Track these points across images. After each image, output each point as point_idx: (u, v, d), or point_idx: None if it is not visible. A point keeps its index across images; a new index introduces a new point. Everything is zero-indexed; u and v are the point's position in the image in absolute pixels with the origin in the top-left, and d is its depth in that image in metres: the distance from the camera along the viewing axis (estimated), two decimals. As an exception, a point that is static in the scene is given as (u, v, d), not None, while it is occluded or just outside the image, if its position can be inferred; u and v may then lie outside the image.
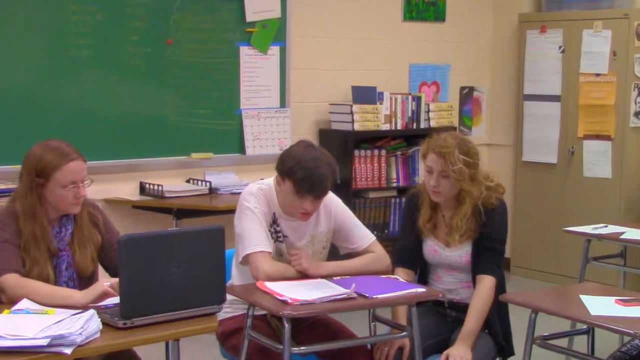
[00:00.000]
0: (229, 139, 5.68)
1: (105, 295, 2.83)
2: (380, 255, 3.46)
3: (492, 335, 3.50)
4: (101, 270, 3.26)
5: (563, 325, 3.69)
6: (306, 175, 3.19)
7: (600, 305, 3.11)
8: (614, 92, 6.33)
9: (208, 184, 5.39)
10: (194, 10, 5.45)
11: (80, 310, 2.68)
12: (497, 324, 3.50)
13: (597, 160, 6.46)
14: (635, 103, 6.32)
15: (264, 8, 5.72)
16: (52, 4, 4.92)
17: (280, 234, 3.36)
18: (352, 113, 5.88)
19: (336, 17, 6.20)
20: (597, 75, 6.42)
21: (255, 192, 3.34)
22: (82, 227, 3.15)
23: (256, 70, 5.74)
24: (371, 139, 6.09)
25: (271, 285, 3.10)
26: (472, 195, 3.45)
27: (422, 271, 3.66)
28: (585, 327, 3.52)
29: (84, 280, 3.12)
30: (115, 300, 2.78)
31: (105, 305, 2.81)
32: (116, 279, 2.77)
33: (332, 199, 3.43)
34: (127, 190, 5.27)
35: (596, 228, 4.69)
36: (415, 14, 6.59)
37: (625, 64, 6.27)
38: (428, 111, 6.28)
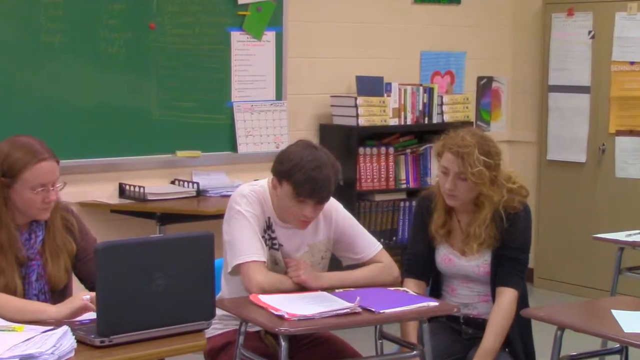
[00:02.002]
0: (219, 135, 5.68)
1: (83, 310, 2.83)
2: (387, 266, 3.47)
3: (513, 354, 3.50)
4: (76, 283, 3.26)
5: (593, 343, 3.69)
6: (307, 177, 3.19)
7: (634, 322, 3.11)
8: (649, 82, 6.34)
9: (195, 185, 5.39)
10: (180, -9, 5.46)
11: (52, 327, 2.67)
12: (518, 342, 3.50)
13: (630, 159, 6.46)
14: (674, 95, 6.34)
15: (258, -11, 5.73)
16: (20, -16, 4.94)
17: (275, 241, 3.37)
18: (356, 106, 5.89)
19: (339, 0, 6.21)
20: (632, 63, 6.42)
21: (247, 193, 3.34)
22: (54, 234, 3.14)
23: (249, 58, 5.75)
24: (378, 135, 6.09)
25: (266, 299, 3.10)
26: (491, 199, 3.45)
27: (434, 283, 3.67)
28: (617, 345, 3.52)
29: (57, 293, 3.12)
30: (92, 315, 2.78)
31: (80, 321, 2.81)
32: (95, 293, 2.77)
33: (332, 204, 3.43)
34: (105, 192, 5.27)
35: (630, 235, 4.69)
36: (427, -4, 6.60)
37: (662, 51, 6.28)
38: (441, 104, 6.29)
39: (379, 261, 3.46)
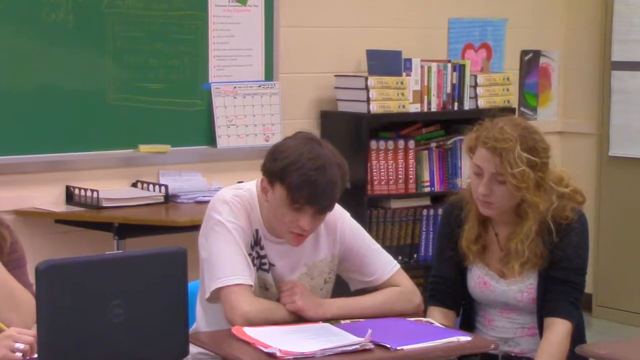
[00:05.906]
0: (193, 126, 5.70)
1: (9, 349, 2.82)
2: (407, 290, 3.49)
3: (566, 403, 3.52)
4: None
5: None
6: (306, 179, 3.20)
7: None
8: None
9: (163, 188, 5.40)
10: (143, -57, 5.48)
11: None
12: (573, 386, 3.53)
13: None
14: None
15: (243, -61, 5.76)
16: None
17: (265, 260, 3.38)
18: (367, 89, 5.90)
19: (345, -47, 6.23)
20: None
21: (229, 200, 3.36)
22: None
23: (232, 27, 5.76)
24: (394, 126, 6.11)
25: (252, 332, 3.11)
26: (537, 207, 3.47)
27: (466, 312, 3.69)
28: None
29: None
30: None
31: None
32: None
33: (337, 213, 3.45)
34: (48, 197, 5.28)
35: None
36: (456, -52, 6.63)
37: None
38: (475, 86, 6.30)
39: (396, 285, 3.48)
